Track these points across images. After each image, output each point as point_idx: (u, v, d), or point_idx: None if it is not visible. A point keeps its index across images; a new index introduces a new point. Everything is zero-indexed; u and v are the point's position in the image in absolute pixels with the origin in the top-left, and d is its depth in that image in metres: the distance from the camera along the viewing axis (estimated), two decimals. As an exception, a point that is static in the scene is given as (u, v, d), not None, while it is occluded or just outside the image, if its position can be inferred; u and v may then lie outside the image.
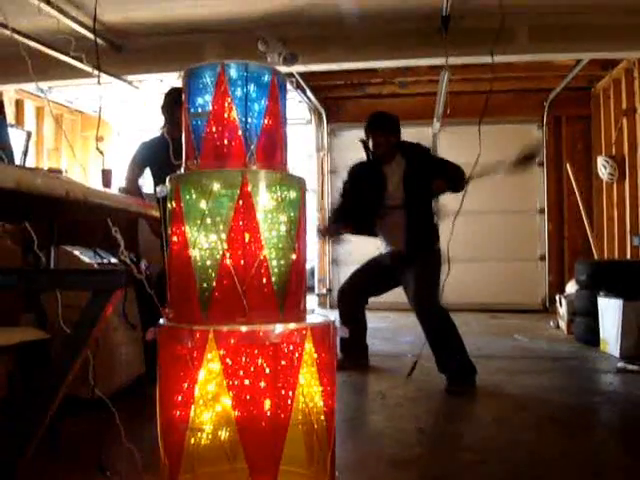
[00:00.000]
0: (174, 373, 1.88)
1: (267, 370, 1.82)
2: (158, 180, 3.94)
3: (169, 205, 2.01)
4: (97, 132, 4.62)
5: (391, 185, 4.46)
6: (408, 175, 4.42)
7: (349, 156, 9.55)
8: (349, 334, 2.62)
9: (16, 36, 4.13)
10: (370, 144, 4.59)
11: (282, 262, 1.95)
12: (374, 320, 7.57)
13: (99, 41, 5.72)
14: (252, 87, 2.04)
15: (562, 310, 6.80)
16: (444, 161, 4.61)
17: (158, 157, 3.92)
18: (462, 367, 4.06)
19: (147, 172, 4.39)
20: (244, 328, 1.83)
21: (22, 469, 2.10)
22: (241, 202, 1.89)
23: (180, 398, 1.86)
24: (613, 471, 2.56)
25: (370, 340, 5.16)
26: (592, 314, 5.59)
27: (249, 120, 2.02)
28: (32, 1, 4.96)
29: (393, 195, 4.43)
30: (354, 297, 4.66)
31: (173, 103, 4.04)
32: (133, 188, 4.27)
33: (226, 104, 2.01)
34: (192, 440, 1.86)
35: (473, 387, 3.99)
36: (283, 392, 1.84)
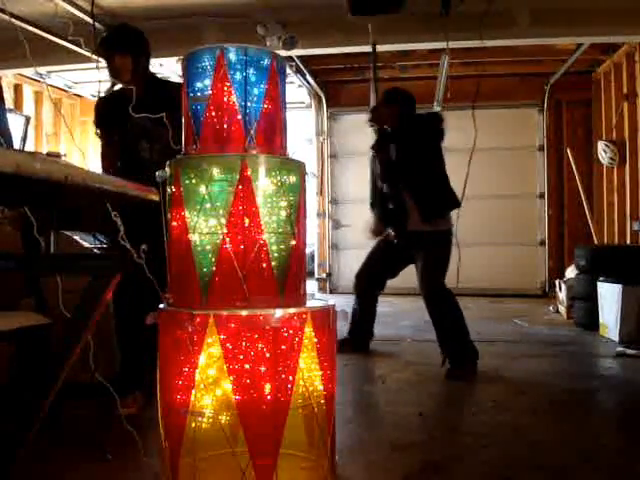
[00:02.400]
0: (175, 357, 1.89)
1: (267, 354, 1.82)
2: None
3: (168, 190, 2.00)
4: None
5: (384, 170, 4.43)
6: (400, 152, 4.27)
7: (349, 140, 9.57)
8: (359, 318, 2.78)
9: (14, 21, 4.10)
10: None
11: (282, 247, 1.95)
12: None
13: (97, 25, 5.69)
14: (251, 71, 2.03)
15: (562, 295, 6.81)
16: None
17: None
18: (463, 351, 4.05)
19: None
20: (244, 312, 1.83)
21: (23, 454, 2.11)
22: (241, 187, 1.89)
23: (181, 382, 1.87)
24: (607, 455, 2.57)
25: None
26: (591, 299, 5.60)
27: (248, 104, 2.01)
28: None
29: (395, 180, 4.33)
30: (370, 281, 4.67)
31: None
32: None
33: (225, 88, 2.00)
34: (193, 424, 1.87)
35: (474, 372, 3.98)
36: (283, 376, 1.85)
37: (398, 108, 4.37)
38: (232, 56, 2.01)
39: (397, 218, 4.35)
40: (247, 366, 1.82)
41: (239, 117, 2.00)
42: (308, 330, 1.90)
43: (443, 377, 3.90)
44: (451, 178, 4.33)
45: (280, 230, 1.95)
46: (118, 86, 3.60)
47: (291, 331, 1.87)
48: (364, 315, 4.72)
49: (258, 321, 1.82)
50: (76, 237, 3.39)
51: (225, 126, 2.01)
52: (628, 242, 7.64)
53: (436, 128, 4.31)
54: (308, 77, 8.86)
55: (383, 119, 4.42)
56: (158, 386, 1.96)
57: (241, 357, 1.82)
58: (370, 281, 4.67)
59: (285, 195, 1.96)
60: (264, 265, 1.91)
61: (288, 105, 2.23)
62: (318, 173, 9.96)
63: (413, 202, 4.22)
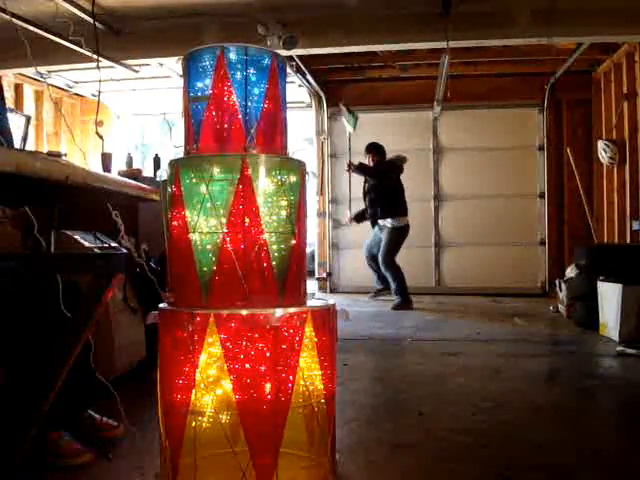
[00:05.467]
0: (175, 357, 1.89)
1: (267, 354, 1.83)
2: None
3: (169, 189, 2.00)
4: (97, 116, 4.60)
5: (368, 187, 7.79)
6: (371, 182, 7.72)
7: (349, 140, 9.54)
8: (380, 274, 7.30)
9: (15, 20, 4.10)
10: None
11: (282, 246, 1.95)
12: (377, 304, 7.64)
13: (98, 25, 5.70)
14: (252, 70, 2.03)
15: (562, 294, 6.80)
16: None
17: None
18: (403, 300, 7.29)
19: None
20: (244, 312, 1.83)
21: (22, 455, 2.11)
22: (241, 186, 1.89)
23: (181, 382, 1.87)
24: (607, 455, 2.57)
25: (373, 324, 5.76)
26: (592, 298, 5.59)
27: (249, 104, 2.01)
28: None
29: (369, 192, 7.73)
30: (372, 252, 7.86)
31: None
32: None
33: (226, 88, 2.00)
34: (193, 424, 1.87)
35: (408, 308, 7.27)
36: (283, 376, 1.85)
37: (375, 158, 7.70)
38: (232, 56, 2.02)
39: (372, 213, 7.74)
40: (247, 366, 1.82)
41: (239, 117, 2.00)
42: (308, 330, 1.90)
43: (443, 376, 3.92)
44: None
45: (280, 229, 1.95)
46: None
47: (291, 330, 1.87)
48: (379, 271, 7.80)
49: (258, 320, 1.83)
50: (76, 237, 3.38)
51: (225, 126, 2.01)
52: (628, 242, 7.65)
53: (395, 170, 7.65)
54: (308, 77, 8.86)
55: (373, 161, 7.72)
56: (158, 386, 1.97)
57: (241, 357, 1.82)
58: (372, 252, 7.85)
59: (285, 195, 1.97)
60: (264, 265, 1.91)
61: (288, 105, 2.23)
62: (318, 173, 9.97)
63: (379, 206, 7.60)
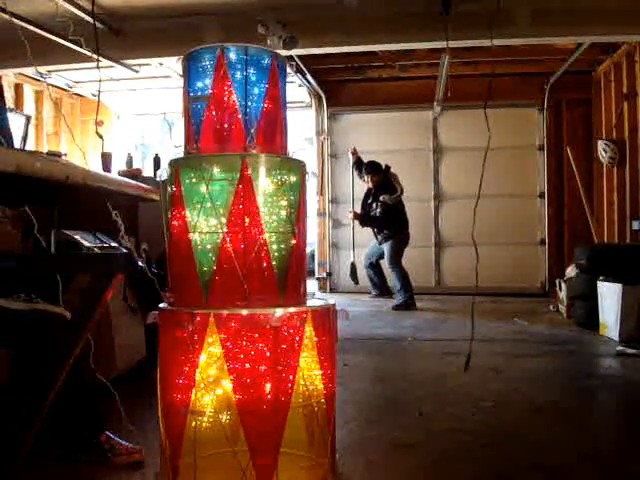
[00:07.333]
0: (175, 357, 1.89)
1: (267, 354, 1.82)
2: None
3: (169, 189, 2.00)
4: (96, 116, 4.60)
5: (373, 203, 7.89)
6: (374, 199, 7.86)
7: (349, 140, 9.58)
8: (378, 280, 8.47)
9: (15, 20, 4.10)
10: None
11: (282, 246, 1.95)
12: (378, 304, 7.65)
13: (98, 25, 5.69)
14: (252, 70, 2.03)
15: (562, 294, 6.80)
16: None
17: None
18: (405, 300, 7.46)
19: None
20: (244, 312, 1.83)
21: (23, 455, 2.11)
22: (241, 186, 1.89)
23: (181, 382, 1.87)
24: (607, 455, 2.57)
25: (373, 324, 5.85)
26: (592, 298, 5.59)
27: (249, 104, 2.01)
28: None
29: (374, 208, 7.86)
30: (372, 258, 8.32)
31: None
32: None
33: (226, 88, 2.00)
34: (193, 423, 1.87)
35: (409, 309, 7.38)
36: (284, 375, 1.85)
37: (375, 177, 7.87)
38: (232, 55, 2.01)
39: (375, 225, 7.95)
40: (247, 365, 1.82)
41: (239, 116, 2.00)
42: (308, 329, 1.90)
43: (443, 377, 3.92)
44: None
45: (280, 229, 1.95)
46: None
47: (291, 330, 1.87)
48: (379, 278, 8.40)
49: (258, 320, 1.83)
50: (76, 237, 3.38)
51: (225, 125, 2.01)
52: (628, 241, 7.64)
53: (396, 190, 7.78)
54: (308, 76, 8.85)
55: (373, 181, 7.90)
56: (158, 386, 1.97)
57: (241, 356, 1.82)
58: (372, 258, 8.31)
59: (285, 194, 1.97)
60: (264, 264, 1.91)
61: (288, 105, 2.23)
62: (318, 172, 9.97)
63: (380, 222, 7.83)
